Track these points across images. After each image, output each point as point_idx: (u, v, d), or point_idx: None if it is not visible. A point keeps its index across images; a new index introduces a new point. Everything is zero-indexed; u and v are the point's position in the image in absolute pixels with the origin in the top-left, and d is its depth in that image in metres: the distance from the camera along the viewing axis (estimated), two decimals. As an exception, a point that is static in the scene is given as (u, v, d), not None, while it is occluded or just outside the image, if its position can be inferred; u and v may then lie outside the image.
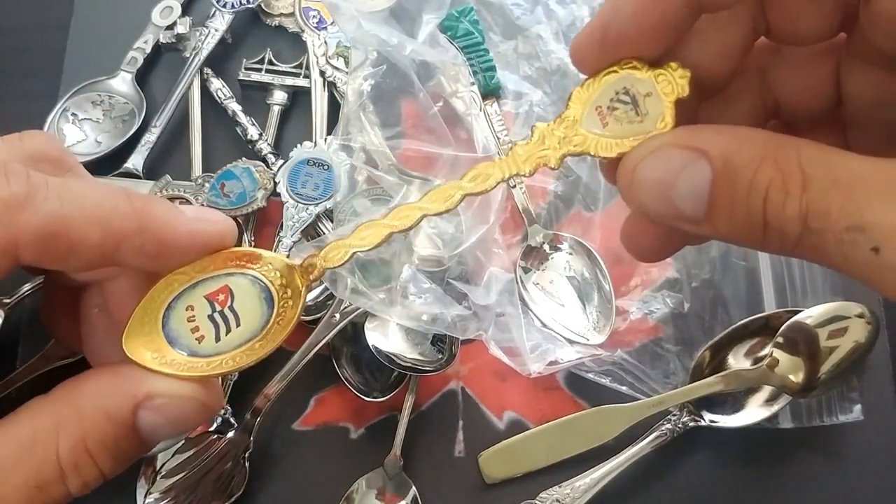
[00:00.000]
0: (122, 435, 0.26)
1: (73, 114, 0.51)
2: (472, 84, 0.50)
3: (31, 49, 0.54)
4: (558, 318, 0.46)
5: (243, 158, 0.49)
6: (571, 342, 0.45)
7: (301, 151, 0.49)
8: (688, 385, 0.43)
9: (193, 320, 0.31)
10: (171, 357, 0.29)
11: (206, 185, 0.48)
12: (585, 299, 0.47)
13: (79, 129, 0.50)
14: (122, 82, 0.52)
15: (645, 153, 0.25)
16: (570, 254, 0.48)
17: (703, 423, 0.44)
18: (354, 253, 0.30)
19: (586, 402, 0.45)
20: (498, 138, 0.49)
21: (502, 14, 0.53)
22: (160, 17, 0.53)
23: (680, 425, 0.44)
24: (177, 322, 0.30)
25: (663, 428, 0.44)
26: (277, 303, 0.31)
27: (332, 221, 0.48)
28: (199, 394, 0.27)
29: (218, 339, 0.31)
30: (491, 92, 0.50)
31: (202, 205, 0.47)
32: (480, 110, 0.49)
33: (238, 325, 0.31)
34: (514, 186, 0.48)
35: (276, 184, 0.48)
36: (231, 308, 0.31)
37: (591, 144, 0.27)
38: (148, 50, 0.53)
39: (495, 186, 0.29)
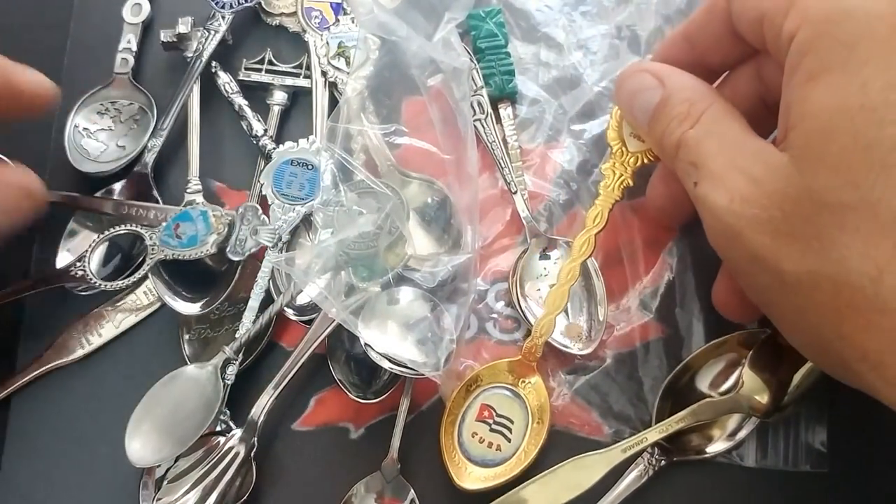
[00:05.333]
0: None
1: (84, 129, 0.50)
2: (482, 88, 0.49)
3: (31, 49, 0.54)
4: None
5: (204, 202, 0.48)
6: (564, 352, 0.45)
7: (284, 151, 0.49)
8: (661, 422, 0.42)
9: (483, 440, 0.42)
10: (485, 472, 0.41)
11: (164, 223, 0.47)
12: (580, 307, 0.46)
13: (97, 142, 0.50)
14: (119, 85, 0.51)
15: (632, 71, 0.38)
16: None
17: (675, 458, 0.43)
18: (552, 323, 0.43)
19: (586, 402, 0.45)
20: (506, 142, 0.49)
21: (526, 19, 0.52)
22: (131, 15, 0.53)
23: (653, 462, 0.43)
24: (475, 449, 0.42)
25: (637, 470, 0.43)
26: (521, 389, 0.42)
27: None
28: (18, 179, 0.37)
29: (509, 439, 0.41)
30: (507, 95, 0.50)
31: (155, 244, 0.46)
32: (487, 116, 0.49)
33: (512, 422, 0.42)
34: (515, 192, 0.48)
35: (261, 185, 0.48)
36: (499, 415, 0.42)
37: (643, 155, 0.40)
38: (134, 48, 0.52)
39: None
